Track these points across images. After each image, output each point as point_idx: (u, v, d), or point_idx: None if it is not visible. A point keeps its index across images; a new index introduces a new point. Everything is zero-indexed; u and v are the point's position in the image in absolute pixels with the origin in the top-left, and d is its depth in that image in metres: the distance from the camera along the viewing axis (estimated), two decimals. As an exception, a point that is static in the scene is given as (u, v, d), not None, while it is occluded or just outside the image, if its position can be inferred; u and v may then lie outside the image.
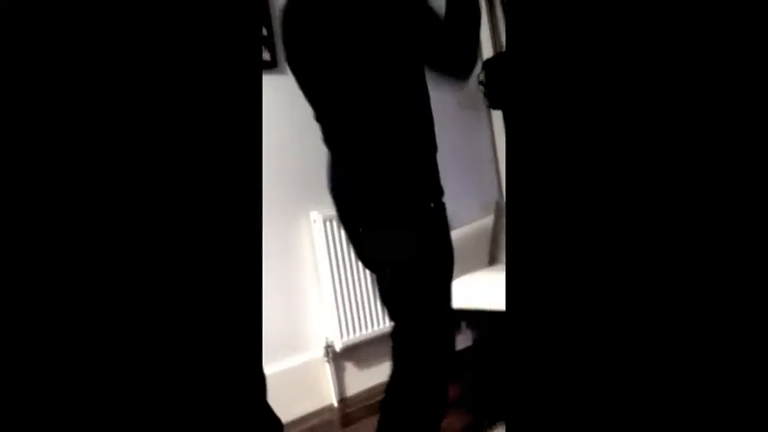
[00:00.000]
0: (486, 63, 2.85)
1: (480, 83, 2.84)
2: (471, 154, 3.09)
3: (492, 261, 2.71)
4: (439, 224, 1.25)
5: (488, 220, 2.80)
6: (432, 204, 1.23)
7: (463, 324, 2.75)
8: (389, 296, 1.31)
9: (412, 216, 1.19)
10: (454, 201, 2.86)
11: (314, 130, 1.35)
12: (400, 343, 1.27)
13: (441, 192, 1.25)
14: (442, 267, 1.24)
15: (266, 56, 2.21)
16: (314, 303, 2.39)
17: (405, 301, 1.24)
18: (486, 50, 3.15)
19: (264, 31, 2.22)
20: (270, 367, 1.63)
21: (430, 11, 1.18)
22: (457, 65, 1.22)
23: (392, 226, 1.18)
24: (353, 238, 1.33)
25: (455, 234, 2.28)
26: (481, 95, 2.85)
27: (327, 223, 2.31)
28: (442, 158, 2.46)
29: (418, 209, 1.20)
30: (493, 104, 2.81)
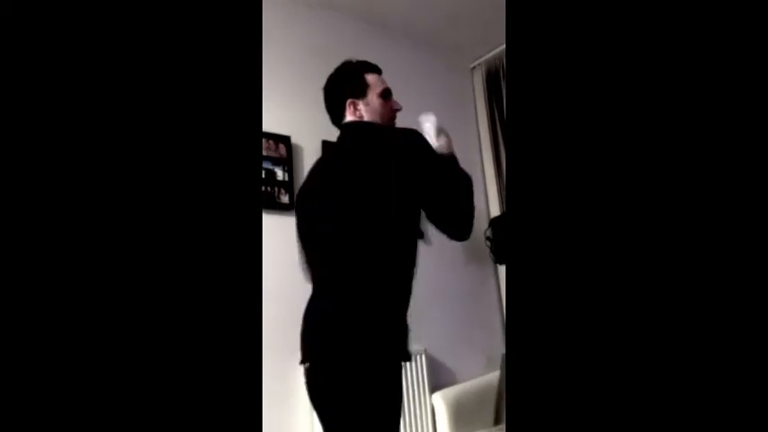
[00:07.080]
0: (493, 221, 2.77)
1: (487, 238, 2.74)
2: (478, 307, 2.87)
3: (497, 420, 2.52)
4: (397, 384, 1.24)
5: (494, 376, 2.66)
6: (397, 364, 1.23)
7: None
8: None
9: (378, 374, 1.18)
10: (459, 355, 2.78)
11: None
12: None
13: (408, 357, 1.25)
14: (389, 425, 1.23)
15: (285, 198, 2.31)
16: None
17: None
18: (494, 207, 3.10)
19: (286, 176, 2.34)
20: None
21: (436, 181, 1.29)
22: (456, 226, 1.30)
23: (355, 379, 1.17)
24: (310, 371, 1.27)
25: (459, 389, 2.48)
26: (488, 250, 2.75)
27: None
28: (449, 312, 2.82)
29: (386, 368, 1.20)
30: (498, 260, 2.78)
